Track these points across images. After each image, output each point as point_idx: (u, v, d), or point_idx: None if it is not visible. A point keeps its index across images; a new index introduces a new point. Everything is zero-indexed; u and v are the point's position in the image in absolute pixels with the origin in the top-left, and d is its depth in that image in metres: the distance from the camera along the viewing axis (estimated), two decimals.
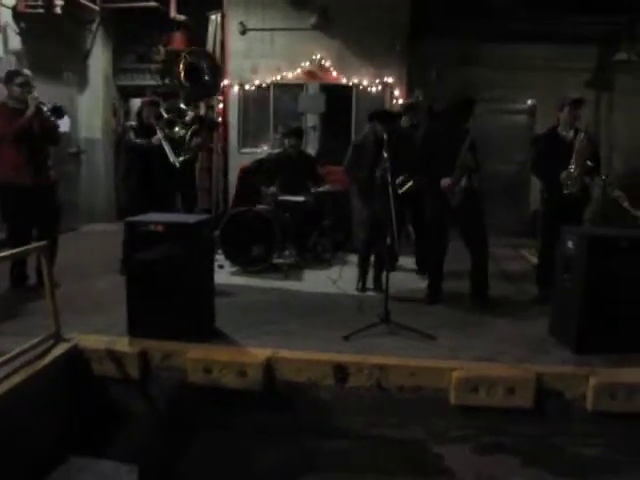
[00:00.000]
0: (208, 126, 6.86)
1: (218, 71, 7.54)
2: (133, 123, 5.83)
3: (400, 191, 5.22)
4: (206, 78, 6.40)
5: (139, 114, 5.80)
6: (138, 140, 5.56)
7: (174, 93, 6.70)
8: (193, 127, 6.32)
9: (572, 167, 4.82)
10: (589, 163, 4.82)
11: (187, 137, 6.04)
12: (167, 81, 9.05)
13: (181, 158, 5.88)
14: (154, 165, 5.56)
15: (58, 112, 5.00)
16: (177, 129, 5.79)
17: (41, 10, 7.05)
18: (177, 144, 5.81)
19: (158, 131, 5.55)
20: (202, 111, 8.42)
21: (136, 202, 5.45)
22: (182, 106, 6.70)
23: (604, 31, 8.36)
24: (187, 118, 6.56)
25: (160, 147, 5.52)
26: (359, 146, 5.45)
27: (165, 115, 5.78)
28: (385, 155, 4.65)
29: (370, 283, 5.42)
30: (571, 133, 4.97)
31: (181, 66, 6.77)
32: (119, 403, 3.77)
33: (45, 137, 4.96)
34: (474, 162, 4.74)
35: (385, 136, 4.78)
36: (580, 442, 3.57)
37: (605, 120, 8.95)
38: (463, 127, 4.90)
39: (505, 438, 3.58)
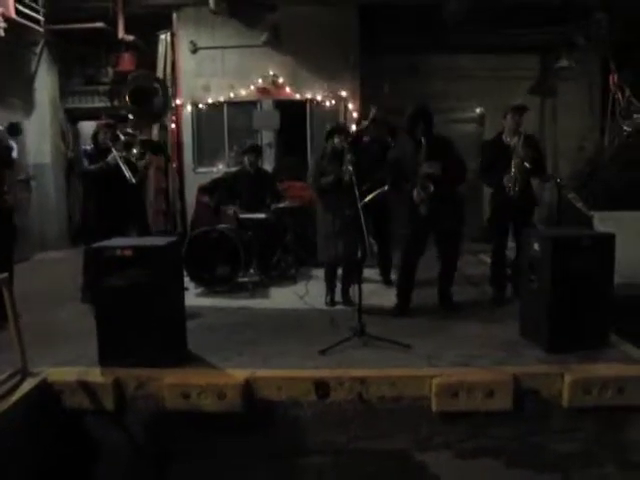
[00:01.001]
0: (152, 150, 6.74)
1: (166, 92, 7.46)
2: (88, 147, 5.63)
3: (365, 200, 5.26)
4: (155, 101, 6.32)
5: (95, 136, 5.61)
6: (92, 167, 5.35)
7: (123, 118, 6.62)
8: (138, 150, 6.24)
9: (513, 170, 4.99)
10: (527, 165, 4.98)
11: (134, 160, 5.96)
12: (116, 103, 8.93)
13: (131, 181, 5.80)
14: (110, 188, 5.39)
15: (14, 129, 4.83)
16: (134, 151, 5.67)
17: None
18: (131, 166, 5.70)
19: (114, 151, 5.40)
20: (155, 131, 8.34)
21: (96, 228, 5.28)
22: (129, 130, 6.60)
23: (545, 40, 8.70)
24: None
25: (116, 167, 5.38)
26: (320, 160, 5.50)
27: (122, 137, 5.66)
28: (348, 160, 4.82)
29: (338, 296, 5.42)
30: (515, 139, 5.13)
31: (127, 91, 6.68)
32: (94, 436, 3.64)
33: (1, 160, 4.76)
34: (439, 169, 4.77)
35: (345, 145, 5.06)
36: (560, 438, 3.65)
37: (550, 125, 9.29)
38: (419, 138, 4.86)
39: (487, 441, 3.62)
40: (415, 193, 4.78)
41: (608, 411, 3.61)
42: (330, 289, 5.45)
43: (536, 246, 4.08)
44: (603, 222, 5.76)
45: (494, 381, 3.60)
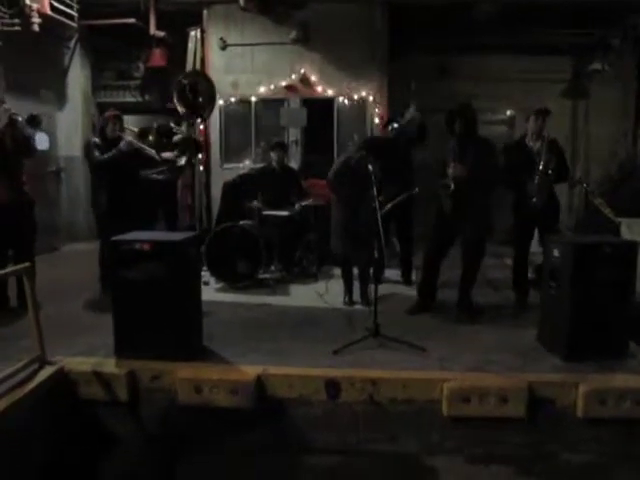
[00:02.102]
0: (196, 149, 6.83)
1: (213, 92, 7.51)
2: (96, 139, 5.51)
3: (387, 207, 5.26)
4: (200, 100, 6.37)
5: (102, 129, 5.53)
6: (106, 155, 5.29)
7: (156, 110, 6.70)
8: (181, 147, 6.33)
9: (536, 178, 4.92)
10: (549, 172, 4.90)
11: (173, 157, 6.04)
12: (147, 98, 9.05)
13: (166, 175, 5.90)
14: (125, 180, 5.41)
15: (35, 121, 4.92)
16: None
17: (18, 28, 6.96)
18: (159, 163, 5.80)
19: (126, 137, 5.41)
20: (183, 127, 8.42)
21: (110, 221, 5.27)
22: (172, 125, 6.69)
23: (578, 42, 8.53)
24: (175, 138, 6.55)
25: (129, 159, 5.38)
26: (347, 162, 5.28)
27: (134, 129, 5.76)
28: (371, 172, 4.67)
29: (357, 296, 5.41)
30: (538, 143, 5.05)
31: (182, 86, 6.73)
32: (107, 426, 3.71)
33: (18, 150, 4.82)
34: (464, 172, 4.71)
35: (370, 168, 4.69)
36: (572, 449, 3.59)
37: (582, 129, 9.11)
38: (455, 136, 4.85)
39: (498, 448, 3.59)
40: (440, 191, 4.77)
41: (624, 423, 3.54)
42: (348, 289, 5.45)
43: (556, 252, 4.02)
44: (630, 229, 5.63)
45: (508, 388, 3.56)
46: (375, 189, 4.61)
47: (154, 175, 6.11)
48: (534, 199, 4.94)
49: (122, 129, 5.52)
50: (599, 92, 8.92)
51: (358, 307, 5.29)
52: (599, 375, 3.66)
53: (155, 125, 6.07)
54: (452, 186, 4.73)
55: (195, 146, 6.84)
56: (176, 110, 6.43)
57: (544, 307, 4.32)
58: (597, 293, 3.86)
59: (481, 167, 4.70)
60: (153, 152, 5.53)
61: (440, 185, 4.80)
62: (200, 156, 7.99)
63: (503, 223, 9.09)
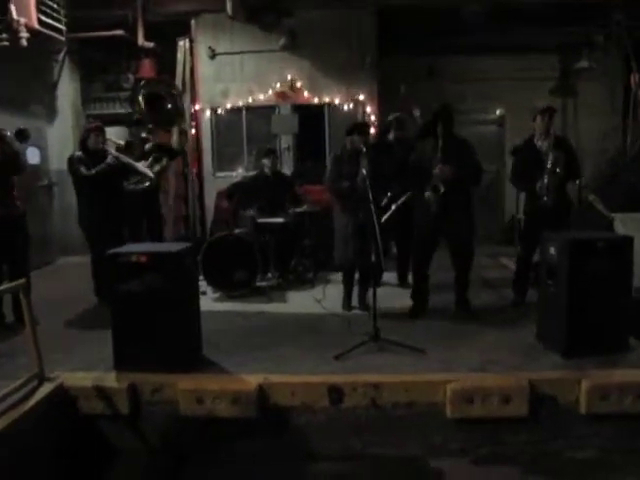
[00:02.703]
0: (169, 154, 6.81)
1: (179, 98, 7.52)
2: (79, 153, 5.44)
3: (383, 218, 5.24)
4: (168, 106, 6.39)
5: (83, 142, 5.48)
6: (94, 170, 5.25)
7: (137, 122, 6.70)
8: (154, 155, 6.32)
9: (545, 177, 4.91)
10: (557, 171, 4.89)
11: (147, 165, 6.03)
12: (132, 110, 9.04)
13: (143, 185, 5.89)
14: (110, 193, 5.42)
15: (23, 135, 4.89)
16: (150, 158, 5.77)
17: (6, 43, 6.95)
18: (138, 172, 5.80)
19: (112, 152, 5.40)
20: (174, 137, 8.42)
21: (99, 234, 5.30)
22: (143, 134, 6.69)
23: (565, 41, 8.60)
24: (147, 146, 6.55)
25: (121, 167, 5.41)
26: (338, 159, 5.34)
27: (120, 142, 5.74)
28: (364, 165, 4.74)
29: (355, 301, 5.41)
30: (546, 142, 5.03)
31: (141, 96, 6.77)
32: (109, 441, 3.68)
33: (7, 166, 4.78)
34: (451, 173, 4.73)
35: (363, 147, 4.92)
36: (576, 445, 3.60)
37: (571, 126, 9.16)
38: (437, 138, 4.83)
39: (503, 448, 3.59)
40: (427, 194, 4.77)
41: (627, 418, 3.54)
42: (347, 293, 5.44)
43: (552, 250, 4.03)
44: (624, 224, 5.65)
45: (510, 387, 3.56)
46: (365, 171, 4.66)
47: (131, 186, 6.08)
48: (545, 198, 4.93)
49: (104, 141, 5.50)
50: (587, 89, 8.98)
51: (356, 312, 5.29)
52: (600, 371, 3.67)
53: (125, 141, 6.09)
54: (442, 188, 4.74)
55: (169, 152, 6.83)
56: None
57: (542, 305, 4.33)
58: (594, 289, 3.87)
59: (464, 167, 4.75)
60: (140, 166, 5.53)
61: (430, 188, 4.80)
62: (188, 161, 8.03)
63: (498, 223, 9.20)
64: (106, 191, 5.35)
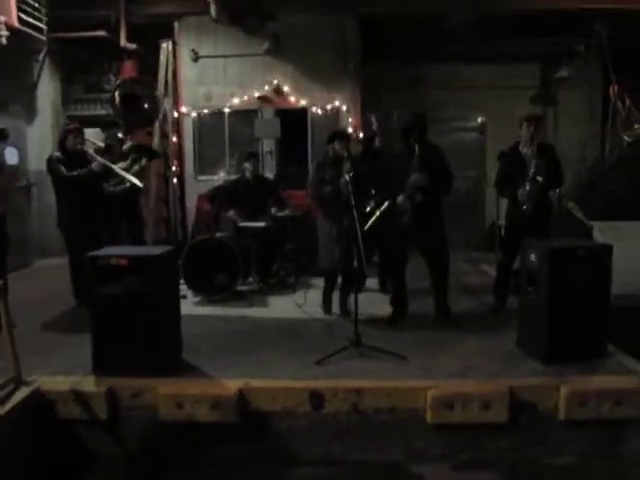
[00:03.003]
0: (148, 155, 6.76)
1: (156, 98, 7.46)
2: (58, 154, 5.40)
3: (366, 227, 5.23)
4: (145, 106, 6.33)
5: (61, 143, 5.46)
6: (76, 173, 5.23)
7: (114, 123, 6.64)
8: (132, 156, 6.26)
9: (527, 185, 4.95)
10: (538, 179, 4.93)
11: (126, 166, 5.98)
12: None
13: (123, 186, 5.85)
14: (91, 195, 5.37)
15: (2, 134, 4.81)
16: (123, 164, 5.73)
17: None
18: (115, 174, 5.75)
19: (98, 158, 5.38)
20: (156, 140, 8.36)
21: (78, 236, 5.26)
22: (119, 135, 6.63)
23: (546, 50, 8.72)
24: (125, 147, 6.50)
25: (104, 174, 5.37)
26: (320, 165, 5.41)
27: (100, 143, 5.69)
28: (346, 170, 4.79)
29: (335, 306, 5.40)
30: (531, 150, 5.07)
31: (117, 96, 6.69)
32: (88, 446, 3.62)
33: None
34: (427, 180, 4.72)
35: (345, 153, 5.04)
36: (555, 451, 3.63)
37: (551, 134, 9.28)
38: (413, 145, 4.81)
39: (483, 454, 3.60)
40: (402, 202, 4.79)
41: (605, 424, 3.59)
42: (328, 298, 5.44)
43: (533, 257, 4.07)
44: (603, 232, 5.75)
45: (490, 393, 3.58)
46: (348, 177, 4.67)
47: (111, 187, 6.02)
48: (524, 207, 4.98)
49: (83, 142, 5.46)
50: (567, 98, 9.13)
51: (338, 317, 5.28)
52: (579, 377, 3.71)
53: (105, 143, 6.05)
54: (419, 197, 4.74)
55: (148, 152, 6.78)
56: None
57: (522, 311, 4.36)
58: (574, 296, 3.91)
59: (437, 174, 4.76)
60: (128, 175, 5.49)
61: (406, 196, 4.80)
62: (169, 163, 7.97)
63: (478, 229, 9.28)
64: (86, 192, 5.30)
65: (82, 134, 5.50)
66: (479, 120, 9.55)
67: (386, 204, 4.92)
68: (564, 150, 9.06)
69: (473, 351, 4.29)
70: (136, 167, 6.11)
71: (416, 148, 4.75)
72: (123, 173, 5.62)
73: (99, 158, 5.39)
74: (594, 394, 3.56)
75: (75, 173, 5.23)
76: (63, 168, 5.25)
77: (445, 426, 3.56)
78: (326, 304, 5.43)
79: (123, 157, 6.28)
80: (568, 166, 8.98)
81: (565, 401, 3.54)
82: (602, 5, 7.71)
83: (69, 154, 5.34)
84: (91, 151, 5.44)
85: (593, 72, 9.02)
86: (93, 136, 6.56)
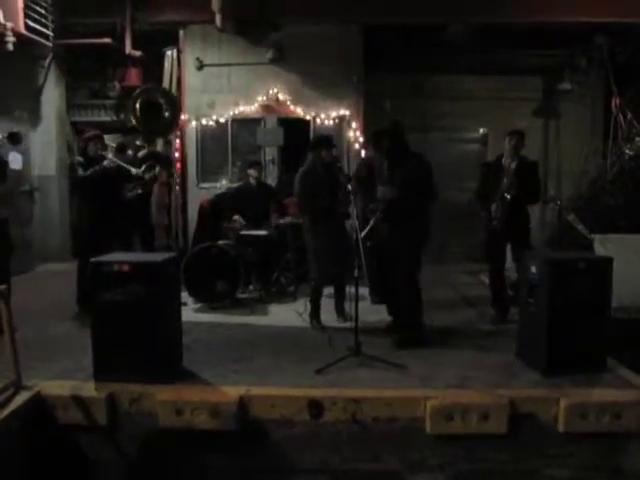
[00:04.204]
0: (161, 164, 6.81)
1: (176, 106, 7.53)
2: (80, 159, 5.53)
3: (362, 233, 5.21)
4: (166, 114, 6.36)
5: (84, 150, 5.57)
6: (88, 172, 5.31)
7: (129, 130, 6.70)
8: (148, 163, 6.31)
9: (498, 201, 5.06)
10: (507, 196, 5.01)
11: (140, 172, 6.01)
12: (122, 117, 9.00)
13: (136, 192, 5.88)
14: (106, 199, 5.42)
15: (15, 138, 4.87)
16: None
17: None
18: (132, 179, 5.78)
19: (110, 155, 5.45)
20: (159, 146, 8.41)
21: (91, 240, 5.27)
22: (137, 142, 6.67)
23: (548, 63, 8.77)
24: (140, 154, 6.54)
25: (112, 177, 5.40)
26: (308, 175, 5.16)
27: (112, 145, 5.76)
28: (342, 180, 4.85)
29: (327, 315, 5.39)
30: (514, 164, 5.14)
31: (137, 104, 6.72)
32: (87, 451, 3.62)
33: None
34: (393, 194, 4.57)
35: (336, 161, 5.12)
36: (554, 464, 3.62)
37: (553, 146, 9.33)
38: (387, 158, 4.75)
39: (482, 464, 3.60)
40: (369, 210, 4.83)
41: (605, 437, 3.58)
42: (315, 310, 5.32)
43: (533, 269, 4.08)
44: (604, 245, 5.75)
45: (489, 404, 3.58)
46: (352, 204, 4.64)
47: (129, 193, 6.05)
48: (494, 222, 5.09)
49: (104, 148, 5.55)
50: (569, 110, 9.17)
51: (337, 325, 5.27)
52: (579, 390, 3.71)
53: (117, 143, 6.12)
54: (379, 214, 4.67)
55: (162, 160, 6.85)
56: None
57: (522, 323, 4.37)
58: (574, 308, 3.92)
59: (411, 186, 4.49)
60: (135, 170, 5.53)
61: (369, 210, 4.79)
62: (173, 170, 8.01)
63: (476, 240, 9.27)
64: (102, 197, 5.36)
65: (102, 140, 5.61)
66: (481, 131, 9.59)
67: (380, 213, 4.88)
68: (565, 163, 9.16)
69: (473, 362, 4.29)
70: (149, 174, 6.16)
71: (385, 159, 4.69)
72: (134, 170, 5.65)
73: (111, 156, 5.45)
74: (594, 407, 3.56)
75: (87, 173, 5.30)
76: (80, 170, 5.35)
77: (444, 436, 3.56)
78: (314, 318, 5.31)
79: (138, 163, 6.34)
80: (569, 179, 9.08)
81: (565, 413, 3.54)
82: (603, 18, 7.77)
83: (91, 160, 5.42)
84: (110, 155, 5.50)
85: (595, 85, 9.06)
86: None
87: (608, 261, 4.06)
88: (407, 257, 4.66)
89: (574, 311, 3.92)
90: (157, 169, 6.56)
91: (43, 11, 7.60)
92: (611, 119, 8.24)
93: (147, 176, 6.10)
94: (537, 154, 8.05)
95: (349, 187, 4.71)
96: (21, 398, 3.52)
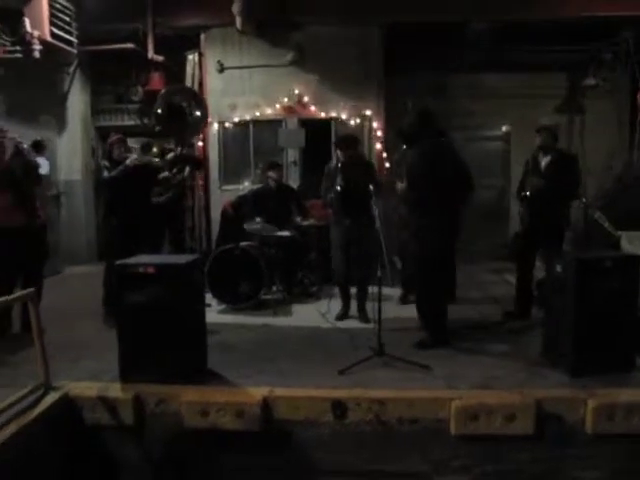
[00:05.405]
0: (192, 165, 6.87)
1: (202, 106, 7.54)
2: (106, 162, 5.65)
3: None
4: (197, 113, 6.38)
5: (109, 154, 5.68)
6: (114, 172, 5.42)
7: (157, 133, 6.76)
8: (178, 165, 6.37)
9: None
10: (525, 193, 5.16)
11: (170, 175, 6.07)
12: (145, 121, 9.10)
13: (162, 198, 5.94)
14: (133, 201, 5.49)
15: (39, 146, 5.00)
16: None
17: (19, 55, 7.07)
18: (160, 182, 5.85)
19: (134, 155, 5.56)
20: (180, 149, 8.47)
21: (118, 242, 5.35)
22: (166, 145, 6.74)
23: (572, 58, 8.64)
24: (169, 156, 6.60)
25: (137, 177, 5.48)
26: (328, 173, 5.54)
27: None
28: (338, 177, 5.10)
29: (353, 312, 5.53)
30: (547, 158, 5.17)
31: (161, 106, 6.74)
32: (114, 451, 3.68)
33: (28, 178, 4.89)
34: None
35: (341, 160, 5.31)
36: (582, 466, 3.57)
37: (577, 143, 9.18)
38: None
39: (507, 466, 3.56)
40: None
41: (634, 438, 3.52)
42: (344, 303, 5.60)
43: (559, 268, 4.03)
44: (631, 242, 5.65)
45: (515, 404, 3.54)
46: (339, 187, 4.96)
47: (154, 198, 6.12)
48: (523, 222, 5.20)
49: (127, 150, 5.65)
50: (594, 107, 9.01)
51: (360, 326, 5.28)
52: (607, 390, 3.64)
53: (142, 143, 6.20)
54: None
55: (193, 162, 6.89)
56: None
57: (548, 322, 4.31)
58: (601, 307, 3.85)
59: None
60: (159, 162, 5.62)
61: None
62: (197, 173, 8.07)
63: (502, 239, 9.18)
64: (130, 200, 5.45)
65: (125, 143, 5.71)
66: (503, 129, 9.49)
67: None
68: (590, 159, 8.99)
69: (498, 361, 4.26)
70: (179, 177, 6.22)
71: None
72: (156, 161, 5.74)
73: (133, 156, 5.55)
74: (623, 408, 3.50)
75: (113, 173, 5.40)
76: (106, 173, 5.47)
77: (469, 437, 3.53)
78: (343, 310, 5.58)
79: (169, 167, 6.41)
80: (594, 176, 8.93)
81: (593, 414, 3.48)
82: (629, 12, 7.62)
83: (116, 163, 5.52)
84: (134, 156, 5.59)
85: (621, 80, 8.90)
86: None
87: (635, 259, 3.99)
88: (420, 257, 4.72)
89: (601, 310, 3.85)
90: (187, 171, 6.63)
91: (68, 19, 7.73)
92: (637, 114, 8.09)
93: (177, 178, 6.16)
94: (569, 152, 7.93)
95: (338, 188, 4.87)
96: (50, 398, 3.59)
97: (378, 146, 8.20)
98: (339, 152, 5.45)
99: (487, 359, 4.32)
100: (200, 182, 8.55)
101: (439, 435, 3.56)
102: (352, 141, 5.58)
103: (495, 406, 3.52)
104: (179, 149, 6.55)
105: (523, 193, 5.24)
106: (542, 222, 5.11)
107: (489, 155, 9.37)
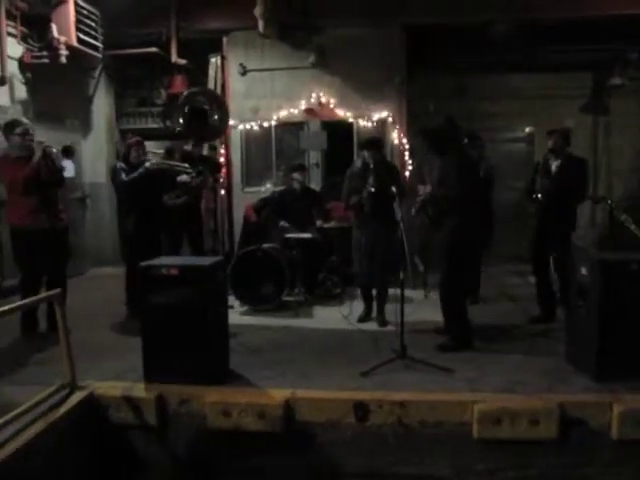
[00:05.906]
0: (210, 169, 6.90)
1: (223, 109, 7.58)
2: (122, 164, 5.66)
3: None
4: (215, 117, 6.42)
5: (126, 156, 5.71)
6: (133, 175, 5.43)
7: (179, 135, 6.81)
8: (199, 168, 6.41)
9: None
10: (536, 196, 5.20)
11: (189, 178, 6.11)
12: (168, 124, 9.19)
13: (177, 201, 5.99)
14: (152, 203, 5.57)
15: (69, 151, 5.10)
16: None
17: (46, 60, 7.20)
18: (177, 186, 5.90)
19: (152, 159, 5.59)
20: (204, 151, 8.54)
21: (137, 244, 5.42)
22: (186, 147, 6.79)
23: (597, 58, 8.51)
24: (184, 150, 6.65)
25: (156, 180, 5.53)
26: (350, 175, 5.51)
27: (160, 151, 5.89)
28: (370, 179, 5.03)
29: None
30: (557, 162, 5.20)
31: (184, 109, 6.80)
32: (138, 451, 3.72)
33: (53, 180, 4.97)
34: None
35: (371, 162, 5.19)
36: (607, 472, 3.51)
37: (603, 144, 9.06)
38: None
39: (531, 470, 3.52)
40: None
41: None
42: (366, 306, 5.60)
43: (584, 270, 3.98)
44: None
45: (539, 409, 3.51)
46: (373, 188, 4.91)
47: (172, 201, 6.15)
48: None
49: (145, 154, 5.67)
50: (619, 107, 8.89)
51: (382, 328, 5.28)
52: (633, 395, 3.59)
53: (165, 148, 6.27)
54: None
55: (213, 165, 6.94)
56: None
57: (571, 326, 4.27)
58: (626, 310, 3.80)
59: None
60: (179, 168, 5.67)
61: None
62: (220, 176, 8.11)
63: (523, 241, 9.09)
64: (147, 202, 5.50)
65: (143, 146, 5.73)
66: (527, 130, 9.40)
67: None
68: (615, 160, 8.89)
69: (521, 365, 4.22)
70: (198, 179, 6.28)
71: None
72: (174, 165, 5.78)
73: (153, 160, 5.58)
74: None
75: (133, 175, 5.42)
76: (123, 175, 5.49)
77: (492, 441, 3.51)
78: (364, 311, 5.59)
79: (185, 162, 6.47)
80: (619, 177, 8.81)
81: (618, 419, 3.43)
82: None
83: (132, 166, 5.55)
84: (153, 159, 5.64)
85: None
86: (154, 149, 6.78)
87: None
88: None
89: (626, 313, 3.79)
90: (207, 174, 6.66)
91: (93, 24, 7.84)
92: None
93: (193, 183, 6.21)
94: (586, 152, 7.83)
95: (371, 189, 4.92)
96: (76, 398, 3.65)
97: (400, 148, 8.18)
98: (366, 153, 5.31)
99: (510, 362, 4.28)
100: (223, 184, 8.60)
101: (462, 439, 3.54)
102: (379, 143, 5.61)
103: (518, 410, 3.49)
104: (195, 148, 6.59)
105: (534, 195, 5.23)
106: (550, 225, 5.13)
107: (512, 157, 9.28)
